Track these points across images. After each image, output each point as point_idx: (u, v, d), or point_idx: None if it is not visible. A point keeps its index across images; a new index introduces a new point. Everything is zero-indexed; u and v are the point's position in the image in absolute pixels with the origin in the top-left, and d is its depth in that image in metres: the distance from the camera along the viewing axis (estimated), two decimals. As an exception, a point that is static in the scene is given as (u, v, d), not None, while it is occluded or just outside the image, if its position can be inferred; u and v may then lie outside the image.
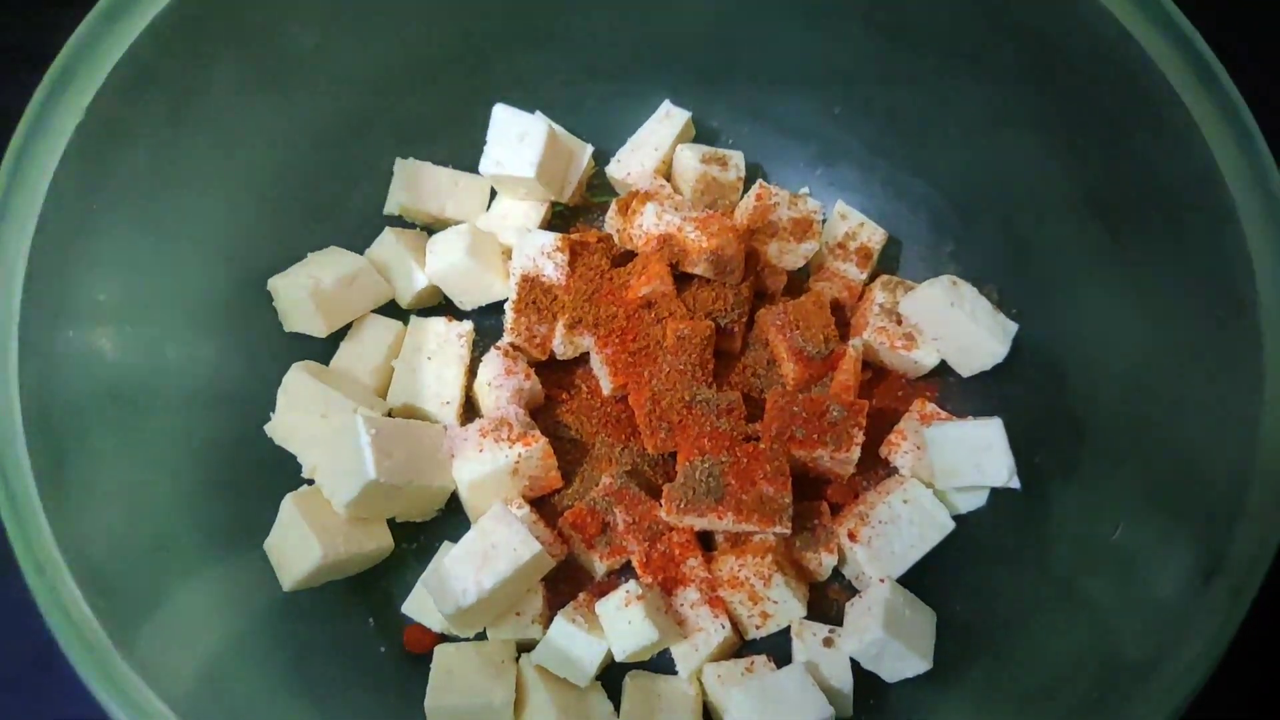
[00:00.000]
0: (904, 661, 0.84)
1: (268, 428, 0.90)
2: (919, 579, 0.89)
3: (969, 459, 0.88)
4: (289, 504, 0.85)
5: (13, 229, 0.73)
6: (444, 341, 0.96)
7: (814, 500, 0.92)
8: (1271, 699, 0.91)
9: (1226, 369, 0.71)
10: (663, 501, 0.87)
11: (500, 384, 0.92)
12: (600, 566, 0.90)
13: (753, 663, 0.86)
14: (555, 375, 0.98)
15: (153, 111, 0.81)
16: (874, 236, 1.01)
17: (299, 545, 0.83)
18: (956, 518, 0.90)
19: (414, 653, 0.88)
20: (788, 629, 0.88)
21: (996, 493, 0.91)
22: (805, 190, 1.06)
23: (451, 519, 0.93)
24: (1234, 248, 0.71)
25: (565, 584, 0.90)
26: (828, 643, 0.86)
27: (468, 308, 1.00)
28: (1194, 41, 0.75)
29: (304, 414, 0.89)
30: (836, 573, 0.92)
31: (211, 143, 0.88)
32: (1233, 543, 0.65)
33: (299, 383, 0.90)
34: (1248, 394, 0.68)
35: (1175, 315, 0.78)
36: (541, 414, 0.96)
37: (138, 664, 0.65)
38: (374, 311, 0.98)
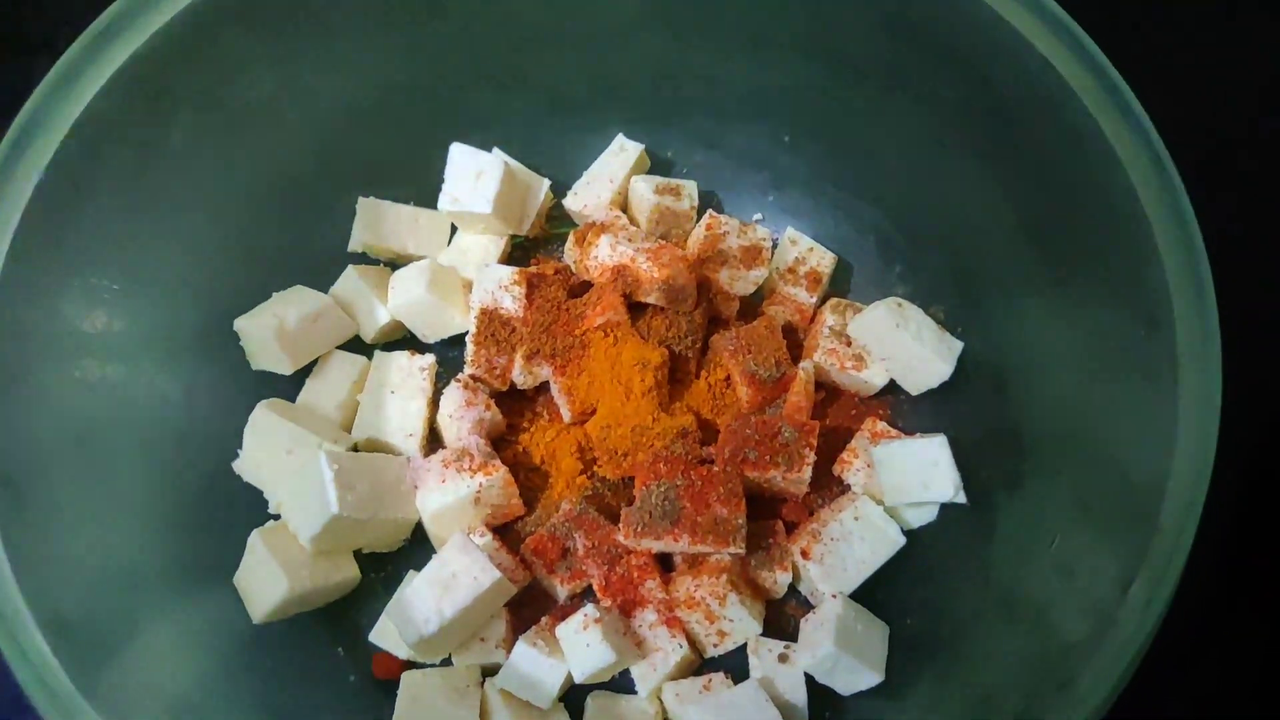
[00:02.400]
0: (857, 675, 0.86)
1: (235, 465, 0.93)
2: (872, 593, 0.91)
3: (916, 476, 0.91)
4: (256, 539, 0.87)
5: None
6: (407, 375, 0.99)
7: (770, 519, 0.95)
8: (1193, 697, 0.94)
9: (1146, 385, 0.74)
10: (620, 526, 0.89)
11: (461, 415, 0.94)
12: (562, 591, 0.92)
13: (710, 680, 0.88)
14: (517, 404, 1.01)
15: (115, 164, 0.84)
16: (823, 261, 1.04)
17: (267, 579, 0.85)
18: (908, 533, 0.93)
19: (383, 679, 0.91)
20: (745, 646, 0.90)
21: (946, 507, 0.93)
22: (758, 217, 1.09)
23: (417, 549, 0.95)
24: (1151, 269, 0.74)
25: (529, 608, 0.93)
26: (783, 659, 0.89)
27: (430, 341, 1.03)
28: (1109, 72, 0.78)
29: (270, 450, 0.92)
30: (793, 589, 0.94)
31: (176, 190, 0.91)
32: (1147, 554, 0.68)
33: (265, 420, 0.92)
34: (1164, 410, 0.71)
35: (1102, 333, 0.81)
36: (503, 443, 0.99)
37: (104, 707, 0.67)
38: (339, 347, 1.01)
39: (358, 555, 0.93)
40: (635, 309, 0.98)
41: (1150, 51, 0.74)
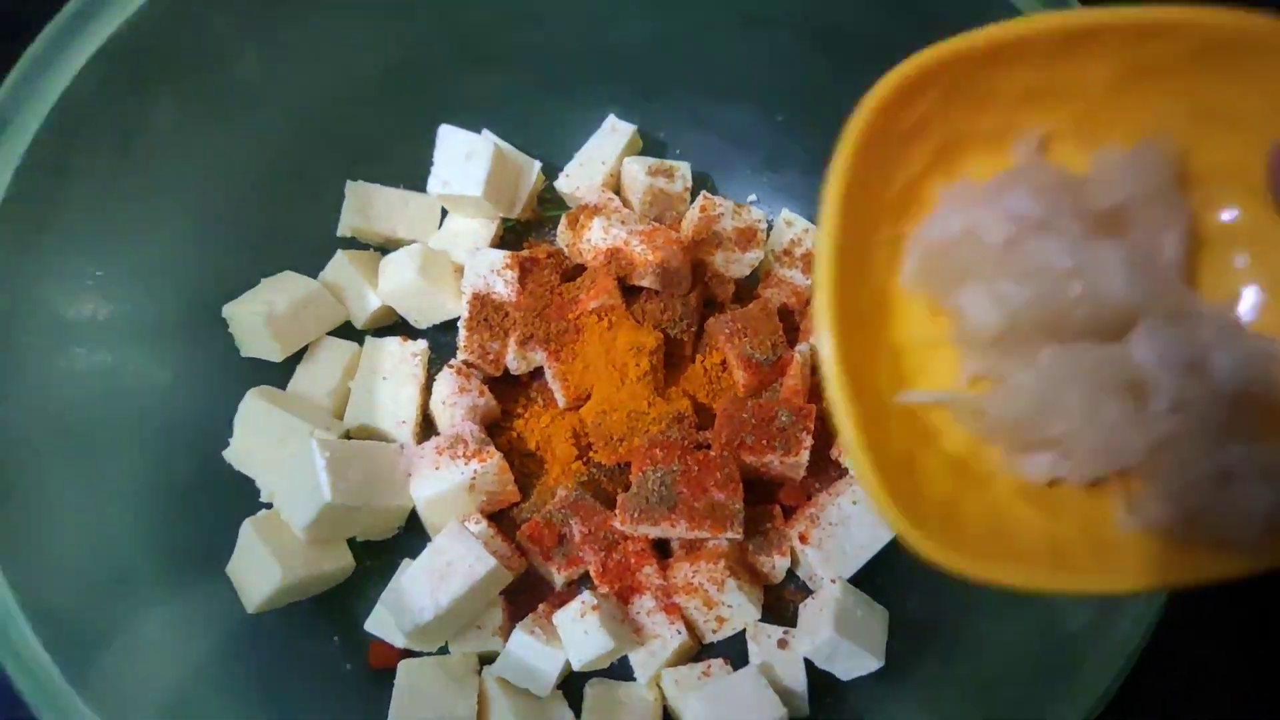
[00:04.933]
0: (856, 660, 0.86)
1: (226, 453, 0.92)
2: (871, 578, 0.91)
3: (915, 458, 0.90)
4: (248, 528, 0.86)
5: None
6: (399, 361, 0.97)
7: (767, 504, 0.94)
8: (1198, 679, 0.94)
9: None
10: (617, 512, 0.88)
11: (455, 401, 0.93)
12: (559, 578, 0.91)
13: (709, 666, 0.88)
14: (510, 390, 1.00)
15: (95, 149, 0.82)
16: (819, 242, 1.03)
17: (260, 568, 0.84)
18: (907, 515, 0.92)
19: (379, 669, 0.90)
20: (744, 632, 0.90)
21: (944, 490, 0.93)
22: (753, 198, 1.08)
23: (412, 536, 0.94)
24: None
25: (525, 596, 0.92)
26: (782, 644, 0.88)
27: (422, 326, 1.02)
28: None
29: (262, 438, 0.91)
30: (791, 575, 0.94)
31: (160, 174, 0.89)
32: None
33: (255, 408, 0.91)
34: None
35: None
36: (497, 429, 0.98)
37: (93, 699, 0.66)
38: (329, 334, 0.99)
39: (352, 544, 0.92)
40: (629, 293, 0.97)
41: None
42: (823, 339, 0.55)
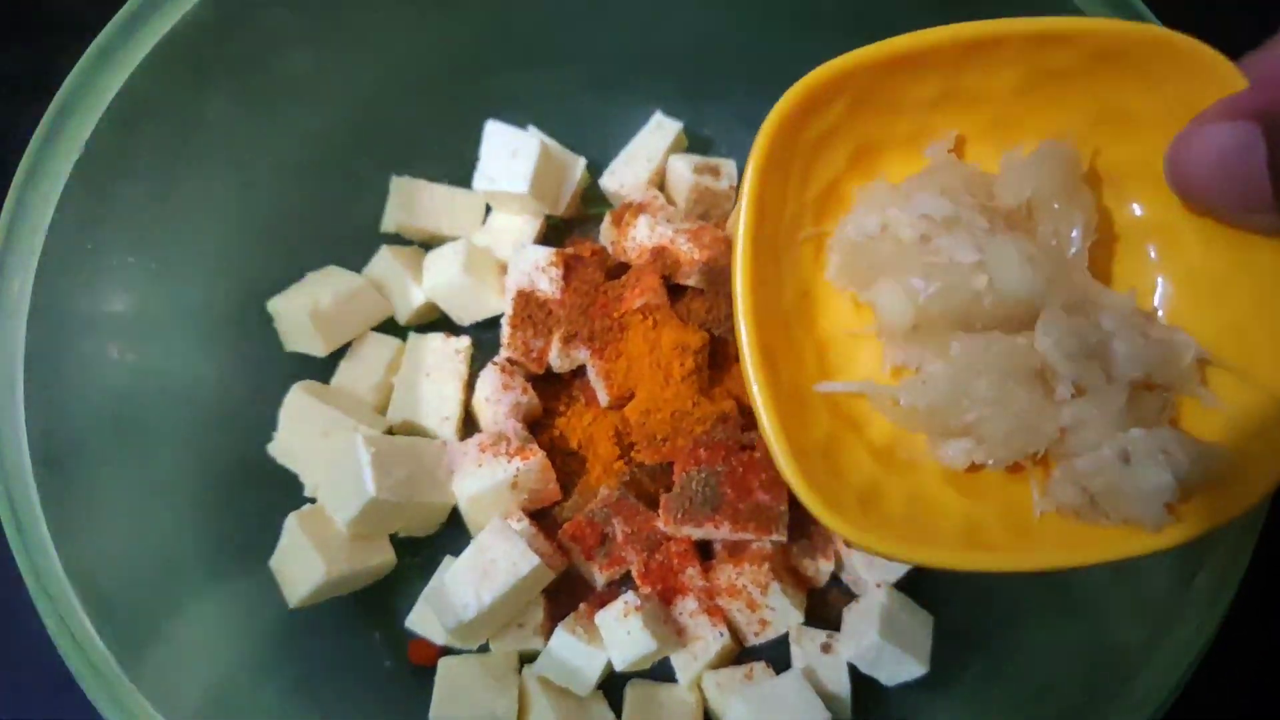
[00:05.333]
0: (901, 665, 0.85)
1: (270, 447, 0.92)
2: (916, 583, 0.90)
3: (963, 462, 0.89)
4: (292, 523, 0.86)
5: (17, 261, 0.75)
6: (442, 358, 0.97)
7: (811, 506, 0.93)
8: (1254, 697, 0.92)
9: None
10: (660, 512, 0.88)
11: (498, 399, 0.93)
12: (600, 577, 0.91)
13: (751, 669, 0.87)
14: (553, 388, 0.99)
15: (151, 142, 0.83)
16: (866, 242, 1.02)
17: (303, 563, 0.85)
18: (953, 520, 0.91)
19: (419, 665, 0.90)
20: (787, 635, 0.89)
21: (992, 495, 0.91)
22: (798, 197, 1.07)
23: (453, 533, 0.94)
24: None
25: (566, 595, 0.92)
26: (826, 648, 0.87)
27: (465, 323, 1.01)
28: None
29: (306, 433, 0.91)
30: (835, 578, 0.92)
31: (210, 169, 0.89)
32: (1212, 544, 0.66)
33: (300, 403, 0.91)
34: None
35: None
36: (540, 427, 0.97)
37: (146, 687, 0.67)
38: (373, 329, 1.00)
39: (393, 540, 0.92)
40: (674, 291, 0.96)
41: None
42: (740, 329, 0.60)
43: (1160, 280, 0.65)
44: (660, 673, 0.89)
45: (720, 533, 0.86)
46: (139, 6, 0.78)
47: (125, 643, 0.68)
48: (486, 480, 0.89)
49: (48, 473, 0.71)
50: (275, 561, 0.87)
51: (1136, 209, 0.65)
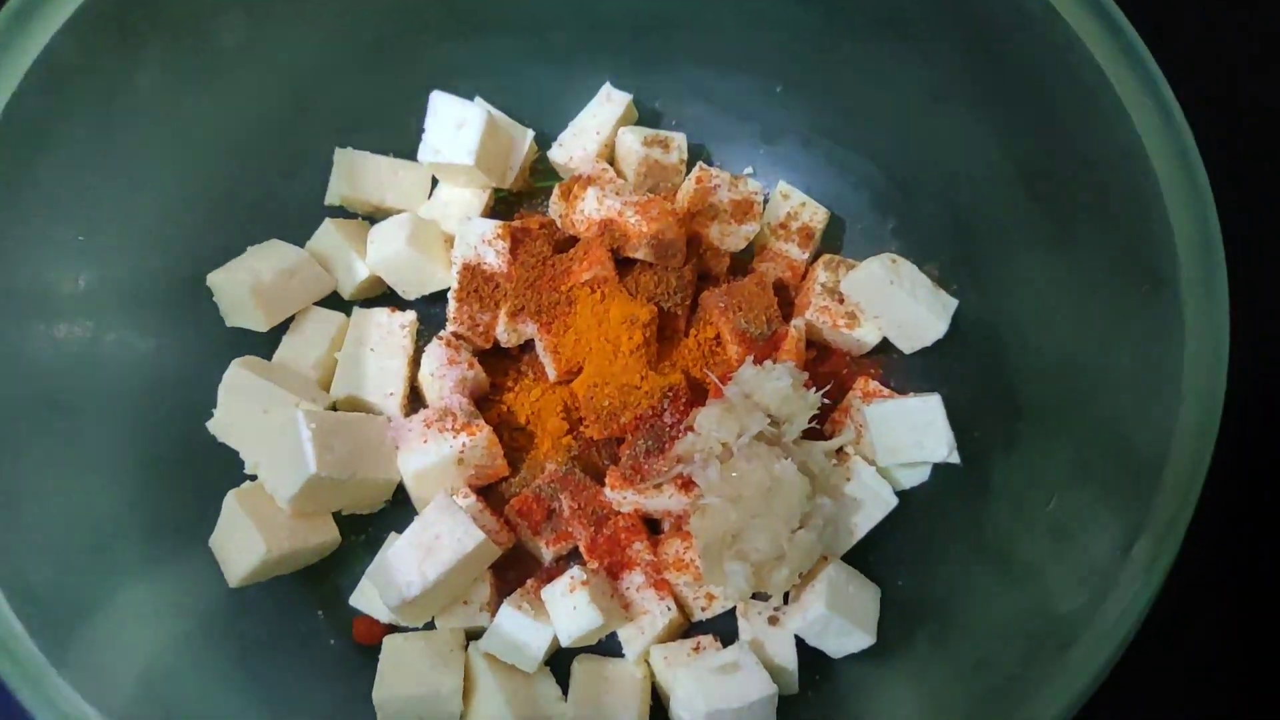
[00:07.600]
0: (848, 637, 0.85)
1: (210, 424, 0.90)
2: (863, 555, 0.90)
3: (909, 436, 0.89)
4: (232, 500, 0.85)
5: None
6: (387, 332, 0.96)
7: (760, 480, 0.93)
8: (1192, 665, 0.93)
9: (1150, 344, 0.72)
10: (606, 479, 0.87)
11: (443, 374, 0.92)
12: (548, 553, 0.90)
13: (699, 643, 0.87)
14: (500, 363, 0.98)
15: (78, 110, 0.80)
16: (816, 216, 1.01)
17: (243, 541, 0.83)
18: (900, 493, 0.91)
19: (364, 644, 0.89)
20: (734, 609, 0.89)
21: (938, 468, 0.92)
22: (749, 170, 1.06)
23: (399, 510, 0.93)
24: (1157, 223, 0.72)
25: (514, 571, 0.91)
26: (773, 621, 0.87)
27: (411, 297, 1.00)
28: (1117, 19, 0.75)
29: (246, 410, 0.89)
30: (782, 551, 0.92)
31: (144, 138, 0.87)
32: (1150, 514, 0.66)
33: (239, 379, 0.89)
34: (1169, 369, 0.69)
35: (1104, 290, 0.79)
36: (487, 403, 0.96)
37: (73, 676, 0.65)
38: (316, 304, 0.98)
39: (337, 517, 0.91)
40: (623, 265, 0.95)
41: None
42: None
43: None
44: (608, 647, 0.89)
45: (668, 500, 0.86)
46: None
47: (51, 628, 0.66)
48: (432, 456, 0.87)
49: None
50: (214, 540, 0.85)
51: None
